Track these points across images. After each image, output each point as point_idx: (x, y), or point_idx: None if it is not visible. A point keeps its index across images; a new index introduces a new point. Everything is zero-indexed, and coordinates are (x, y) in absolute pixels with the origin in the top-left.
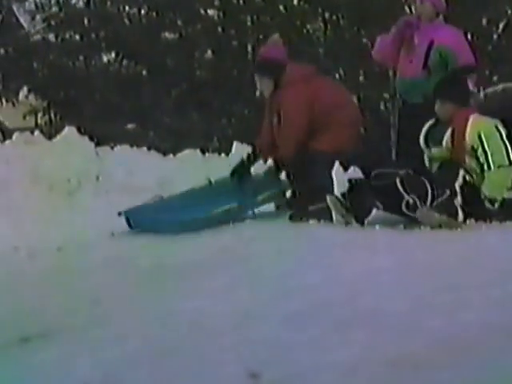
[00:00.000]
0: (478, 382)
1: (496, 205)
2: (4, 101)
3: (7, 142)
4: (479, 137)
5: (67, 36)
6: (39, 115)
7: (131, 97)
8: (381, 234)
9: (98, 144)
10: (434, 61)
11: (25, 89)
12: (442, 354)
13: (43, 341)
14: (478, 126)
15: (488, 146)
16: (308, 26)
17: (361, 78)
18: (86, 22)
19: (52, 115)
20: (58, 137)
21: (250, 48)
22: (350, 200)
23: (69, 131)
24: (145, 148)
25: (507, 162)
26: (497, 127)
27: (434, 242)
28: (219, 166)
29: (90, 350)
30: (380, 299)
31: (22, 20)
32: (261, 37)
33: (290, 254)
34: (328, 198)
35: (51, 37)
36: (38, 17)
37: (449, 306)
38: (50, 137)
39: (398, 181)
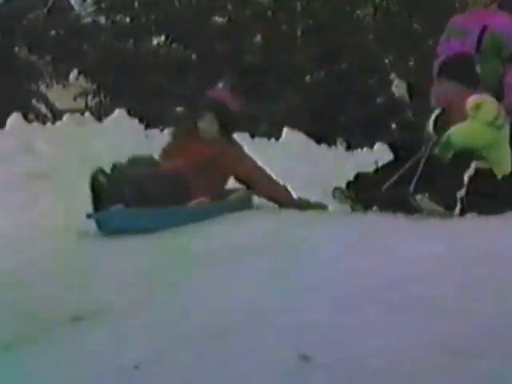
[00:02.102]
0: None
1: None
2: (55, 82)
3: (58, 123)
4: (477, 106)
5: (117, 19)
6: (89, 97)
7: (180, 80)
8: (431, 221)
9: (147, 126)
10: (486, 46)
11: (75, 71)
12: (491, 341)
13: (95, 320)
14: (475, 100)
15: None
16: (358, 12)
17: (410, 64)
18: (136, 4)
19: (102, 97)
20: (108, 119)
21: (299, 33)
22: (356, 189)
23: (119, 113)
24: None
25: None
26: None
27: (485, 229)
28: (268, 150)
29: (142, 329)
30: (430, 285)
31: (72, 2)
32: (310, 22)
33: (339, 239)
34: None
35: (102, 19)
36: None
37: (498, 294)
38: (99, 118)
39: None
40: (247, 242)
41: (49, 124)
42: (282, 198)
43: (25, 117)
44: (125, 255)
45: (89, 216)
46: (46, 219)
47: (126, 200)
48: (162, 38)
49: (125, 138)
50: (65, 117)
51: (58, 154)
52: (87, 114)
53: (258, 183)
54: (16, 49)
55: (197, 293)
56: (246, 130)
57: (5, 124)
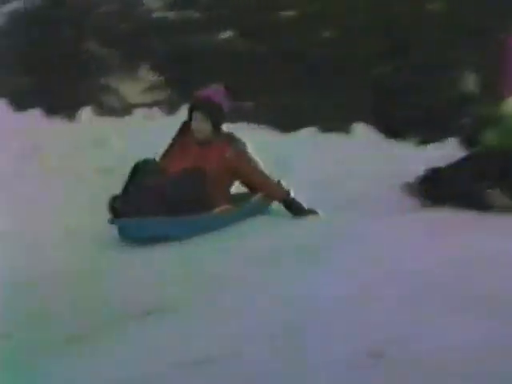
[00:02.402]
0: None
1: None
2: (125, 77)
3: (127, 117)
4: None
5: (186, 13)
6: (159, 91)
7: (249, 74)
8: (502, 216)
9: None
10: None
11: (145, 65)
12: None
13: (164, 314)
14: None
15: None
16: (427, 5)
17: (480, 57)
18: None
19: (171, 91)
20: (177, 113)
21: (367, 27)
22: (426, 185)
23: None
24: (262, 126)
25: None
26: None
27: None
28: (337, 145)
29: (207, 325)
30: (498, 284)
31: None
32: (378, 16)
33: (408, 235)
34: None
35: (171, 14)
36: None
37: None
38: (168, 112)
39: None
40: (308, 241)
41: (119, 118)
42: (279, 196)
43: (96, 111)
44: (188, 251)
45: (111, 222)
46: None
47: (145, 213)
48: (231, 32)
49: None
50: (134, 111)
51: (128, 147)
52: (156, 108)
53: (258, 180)
54: (86, 43)
55: (262, 288)
56: (315, 124)
57: (76, 118)
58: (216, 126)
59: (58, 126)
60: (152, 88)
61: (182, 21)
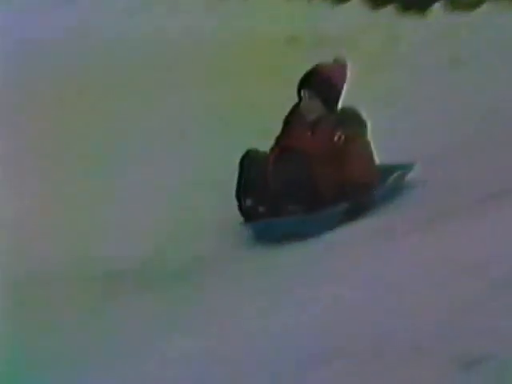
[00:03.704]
0: None
1: None
2: None
3: (477, 10)
4: None
5: None
6: None
7: None
8: None
9: None
10: None
11: None
12: None
13: None
14: None
15: None
16: None
17: None
18: None
19: None
20: None
21: None
22: None
23: None
24: None
25: None
26: None
27: None
28: None
29: None
30: None
31: None
32: None
33: None
34: None
35: None
36: None
37: None
38: None
39: None
40: None
41: (469, 12)
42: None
43: (447, 6)
44: None
45: (244, 224)
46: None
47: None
48: None
49: None
50: (484, 5)
51: (478, 42)
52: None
53: (356, 168)
54: None
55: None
56: None
57: (428, 13)
58: (328, 106)
59: (410, 21)
60: None
61: None
